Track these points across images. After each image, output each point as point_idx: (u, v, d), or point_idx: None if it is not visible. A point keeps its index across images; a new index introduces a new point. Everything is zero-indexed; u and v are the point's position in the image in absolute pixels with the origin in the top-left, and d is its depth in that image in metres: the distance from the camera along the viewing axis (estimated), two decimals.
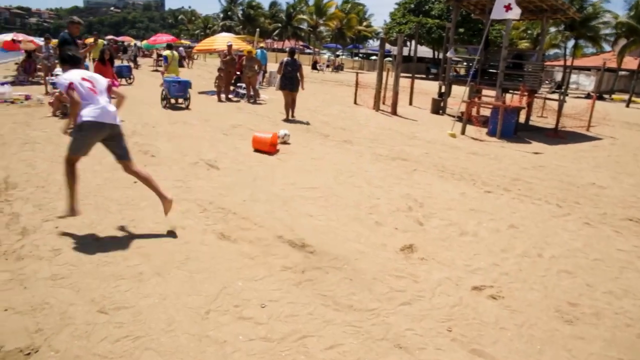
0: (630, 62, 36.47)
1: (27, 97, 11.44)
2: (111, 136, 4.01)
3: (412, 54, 43.73)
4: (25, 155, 6.37)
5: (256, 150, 7.33)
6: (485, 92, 13.97)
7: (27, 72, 16.21)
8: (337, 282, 3.49)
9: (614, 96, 31.82)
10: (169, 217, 4.38)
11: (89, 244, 3.82)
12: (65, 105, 9.61)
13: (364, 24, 58.73)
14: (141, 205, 4.69)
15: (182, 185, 5.42)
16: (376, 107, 13.97)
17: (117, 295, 3.10)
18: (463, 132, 10.86)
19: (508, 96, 14.30)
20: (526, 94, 12.33)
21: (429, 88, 20.57)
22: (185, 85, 11.70)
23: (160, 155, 6.74)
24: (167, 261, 3.60)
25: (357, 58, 56.94)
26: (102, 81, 4.11)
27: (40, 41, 16.85)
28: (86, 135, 3.87)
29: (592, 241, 4.75)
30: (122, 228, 4.16)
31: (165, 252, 3.74)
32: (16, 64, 17.52)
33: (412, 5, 44.68)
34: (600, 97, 25.25)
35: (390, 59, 38.82)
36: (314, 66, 40.27)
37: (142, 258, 3.63)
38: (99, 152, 6.76)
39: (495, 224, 5.02)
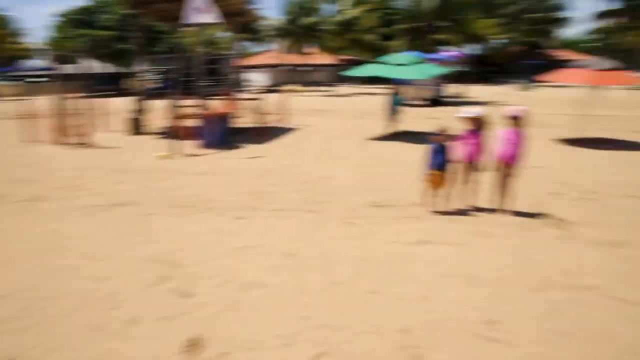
0: (290, 58, 41.11)
1: None
2: None
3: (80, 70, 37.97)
4: None
5: None
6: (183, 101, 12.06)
7: None
8: None
9: (285, 88, 36.12)
10: None
11: None
12: None
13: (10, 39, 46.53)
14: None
15: None
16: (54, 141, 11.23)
17: None
18: (174, 152, 9.60)
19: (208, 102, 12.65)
20: (231, 98, 12.09)
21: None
22: None
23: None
24: None
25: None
26: None
27: None
28: None
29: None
30: None
31: None
32: None
33: (79, 17, 38.95)
34: (273, 91, 25.58)
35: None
36: None
37: None
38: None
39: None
